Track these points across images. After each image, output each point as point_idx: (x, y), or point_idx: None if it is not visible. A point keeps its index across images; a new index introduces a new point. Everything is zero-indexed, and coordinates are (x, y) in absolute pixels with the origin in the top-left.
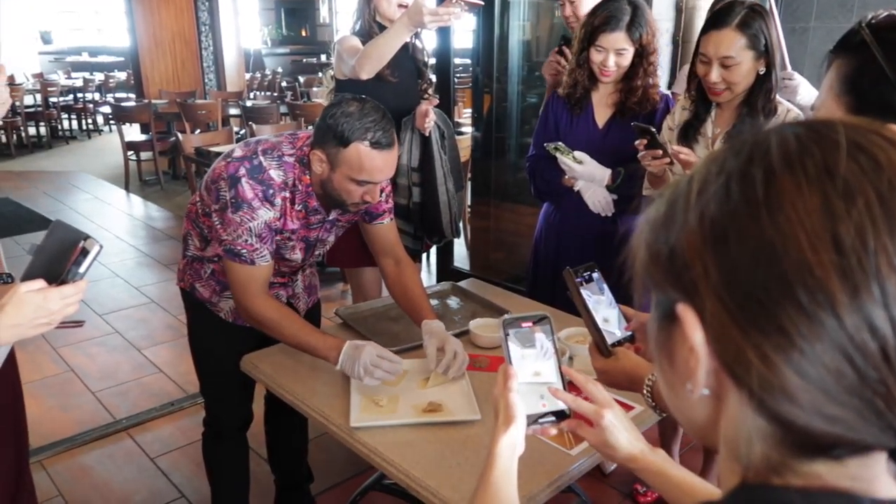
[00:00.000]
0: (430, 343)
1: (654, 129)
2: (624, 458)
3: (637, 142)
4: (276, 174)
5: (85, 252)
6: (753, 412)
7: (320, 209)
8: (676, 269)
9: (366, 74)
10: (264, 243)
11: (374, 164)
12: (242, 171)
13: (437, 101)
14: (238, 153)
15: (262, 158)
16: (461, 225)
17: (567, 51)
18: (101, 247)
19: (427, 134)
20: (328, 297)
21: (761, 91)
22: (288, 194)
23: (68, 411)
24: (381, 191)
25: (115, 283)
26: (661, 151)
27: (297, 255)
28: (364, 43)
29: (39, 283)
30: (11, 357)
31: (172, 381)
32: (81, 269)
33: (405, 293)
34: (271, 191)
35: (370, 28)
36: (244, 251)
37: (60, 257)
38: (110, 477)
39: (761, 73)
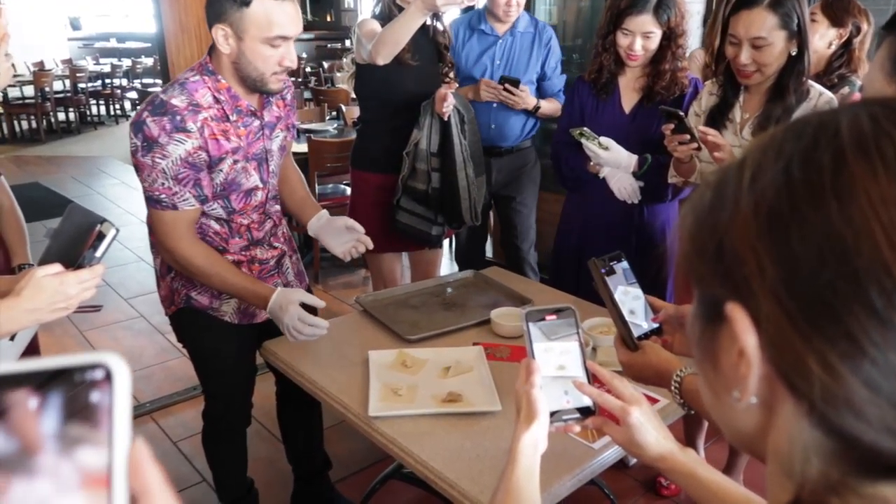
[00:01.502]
0: (329, 238)
1: (681, 113)
2: (652, 458)
3: (664, 126)
4: (179, 101)
5: (101, 236)
6: (811, 426)
7: (254, 109)
8: (725, 264)
9: (382, 59)
10: (185, 186)
11: (280, 16)
12: (145, 114)
13: (456, 86)
14: (142, 104)
15: (161, 96)
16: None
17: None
18: (118, 230)
19: (446, 118)
20: (350, 284)
21: (793, 73)
22: (213, 112)
23: None
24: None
25: (141, 267)
26: (688, 136)
27: (254, 178)
28: (383, 26)
29: (56, 268)
30: (34, 342)
31: None
32: (98, 254)
33: (292, 195)
34: (178, 117)
35: (389, 11)
36: (163, 196)
37: (77, 241)
38: None
39: (793, 54)
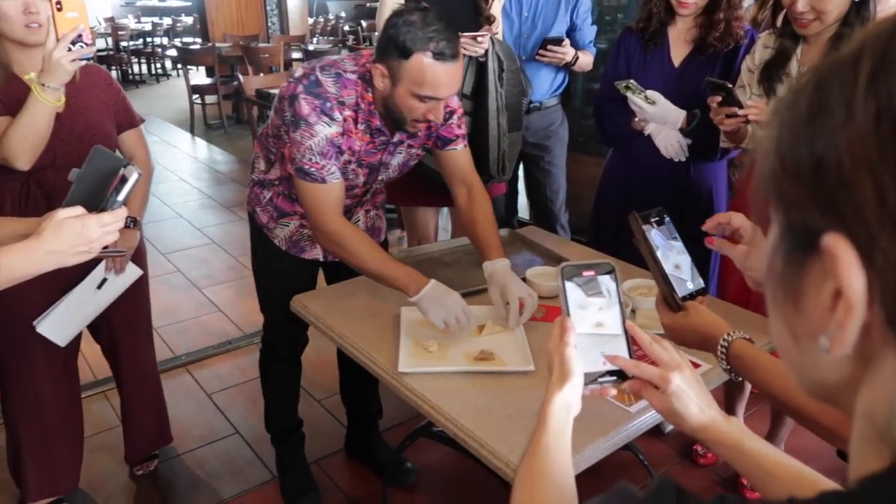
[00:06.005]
0: (493, 290)
1: (730, 86)
2: (693, 428)
3: (710, 98)
4: (333, 89)
5: (124, 179)
6: None
7: (384, 129)
8: (827, 186)
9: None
10: (329, 160)
11: (436, 76)
12: (300, 88)
13: (494, 30)
14: (298, 72)
15: (318, 74)
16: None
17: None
18: (140, 174)
19: (480, 57)
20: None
21: (857, 21)
22: (350, 113)
23: None
24: (453, 113)
25: (178, 223)
26: (736, 109)
27: (360, 180)
28: None
29: (79, 210)
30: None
31: (231, 320)
32: (120, 197)
33: (473, 226)
34: (329, 104)
35: None
36: (312, 170)
37: (101, 185)
38: (169, 410)
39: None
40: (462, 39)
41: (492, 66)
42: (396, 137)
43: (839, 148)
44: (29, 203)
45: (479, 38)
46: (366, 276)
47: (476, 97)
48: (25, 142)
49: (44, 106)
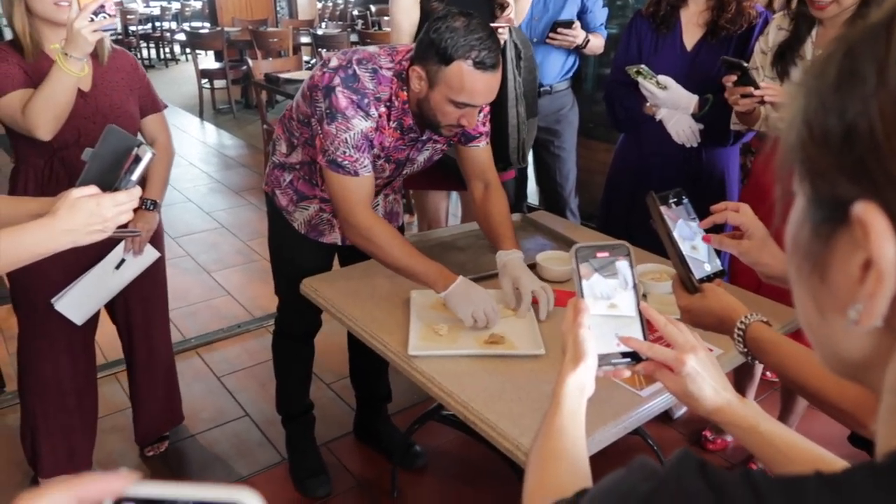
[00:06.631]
0: (504, 281)
1: (745, 65)
2: (708, 410)
3: (724, 77)
4: (370, 85)
5: (138, 159)
6: None
7: (415, 128)
8: (858, 154)
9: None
10: (362, 153)
11: (475, 85)
12: (337, 80)
13: (512, 19)
14: (334, 63)
15: (356, 68)
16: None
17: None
18: (154, 154)
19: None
20: None
21: (875, 3)
22: (384, 109)
23: None
24: (479, 111)
25: (188, 207)
26: (751, 89)
27: (386, 174)
28: None
29: (93, 189)
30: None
31: (240, 304)
32: (134, 177)
33: (487, 219)
34: (366, 100)
35: None
36: (346, 162)
37: (114, 164)
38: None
39: None
40: None
41: (510, 54)
42: (426, 135)
43: (871, 114)
44: (52, 181)
45: (500, 31)
46: (392, 270)
47: None
48: (47, 111)
49: (67, 76)
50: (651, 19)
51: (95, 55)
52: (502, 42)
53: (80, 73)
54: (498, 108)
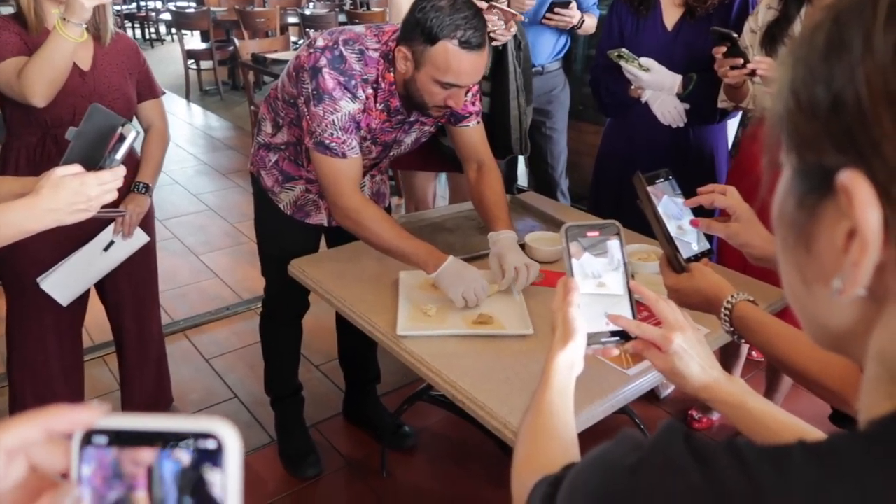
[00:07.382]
0: (492, 258)
1: (735, 35)
2: (695, 387)
3: (714, 49)
4: (357, 66)
5: (122, 138)
6: None
7: (402, 110)
8: (844, 122)
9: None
10: (349, 135)
11: (461, 65)
12: (324, 61)
13: (521, 17)
14: (320, 43)
15: (342, 49)
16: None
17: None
18: (139, 133)
19: (500, 47)
20: None
21: None
22: (371, 91)
23: None
24: (467, 91)
25: (175, 189)
26: (741, 61)
27: (372, 156)
28: None
29: (76, 168)
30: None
31: (228, 286)
32: (118, 156)
33: (481, 199)
34: (353, 82)
35: None
36: (333, 144)
37: (99, 143)
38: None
39: None
40: (490, 30)
41: (510, 46)
42: (413, 116)
43: (857, 82)
44: (44, 159)
45: (509, 30)
46: (381, 252)
47: (494, 77)
48: (43, 76)
49: (65, 41)
50: (630, 2)
51: (98, 36)
52: (510, 34)
53: (78, 38)
54: (498, 98)
